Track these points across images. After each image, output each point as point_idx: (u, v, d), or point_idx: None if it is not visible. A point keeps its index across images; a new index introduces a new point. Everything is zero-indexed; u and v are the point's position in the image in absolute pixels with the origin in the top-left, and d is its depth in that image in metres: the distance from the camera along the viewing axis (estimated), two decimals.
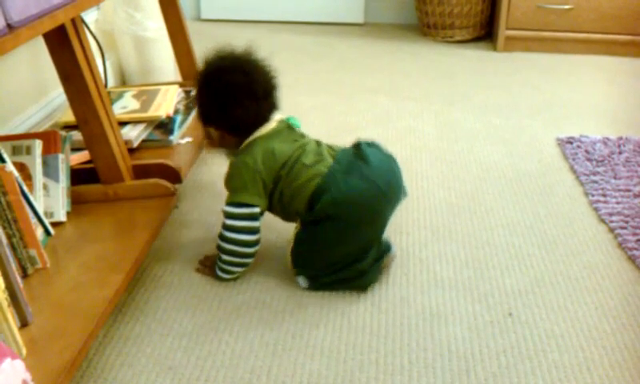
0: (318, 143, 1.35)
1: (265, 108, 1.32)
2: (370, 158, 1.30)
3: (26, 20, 0.97)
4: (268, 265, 1.38)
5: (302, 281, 1.32)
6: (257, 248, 1.31)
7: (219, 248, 1.31)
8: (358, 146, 1.33)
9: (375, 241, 1.32)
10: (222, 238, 1.30)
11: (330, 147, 1.35)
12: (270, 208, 1.33)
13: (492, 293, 1.31)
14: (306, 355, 1.15)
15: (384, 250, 1.34)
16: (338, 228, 1.26)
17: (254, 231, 1.29)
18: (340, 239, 1.27)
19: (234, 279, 1.34)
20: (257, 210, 1.28)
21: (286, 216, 1.36)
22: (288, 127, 1.35)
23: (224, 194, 1.65)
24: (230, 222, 1.28)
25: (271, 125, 1.32)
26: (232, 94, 1.29)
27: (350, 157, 1.30)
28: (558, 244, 1.46)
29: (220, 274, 1.33)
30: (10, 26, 0.93)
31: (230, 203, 1.29)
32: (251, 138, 1.31)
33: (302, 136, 1.35)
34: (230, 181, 1.31)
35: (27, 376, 0.82)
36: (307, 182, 1.27)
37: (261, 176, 1.27)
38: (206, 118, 1.35)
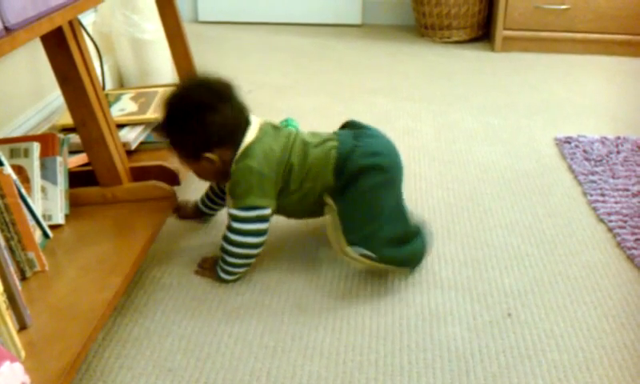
0: (310, 132, 1.38)
1: (238, 109, 1.30)
2: (369, 130, 1.38)
3: (24, 22, 0.96)
4: (267, 266, 1.38)
5: (355, 250, 1.28)
6: (262, 248, 1.31)
7: (224, 250, 1.30)
8: (351, 125, 1.40)
9: (401, 201, 1.36)
10: (228, 241, 1.29)
11: (324, 132, 1.39)
12: (286, 206, 1.34)
13: (491, 293, 1.31)
14: (306, 357, 1.15)
15: (419, 230, 1.36)
16: (374, 178, 1.28)
17: (262, 233, 1.28)
18: (377, 188, 1.29)
19: (235, 280, 1.34)
20: (267, 211, 1.27)
21: (308, 206, 1.34)
22: (273, 127, 1.35)
23: None
24: (237, 225, 1.27)
25: (255, 127, 1.31)
26: (201, 106, 1.26)
27: (350, 132, 1.36)
28: (556, 244, 1.46)
29: (223, 275, 1.33)
30: (7, 29, 0.93)
31: (238, 207, 1.27)
32: (243, 145, 1.29)
33: (289, 132, 1.36)
34: (236, 187, 1.28)
35: (26, 379, 0.82)
36: (325, 155, 1.30)
37: (267, 176, 1.27)
38: (194, 150, 1.29)
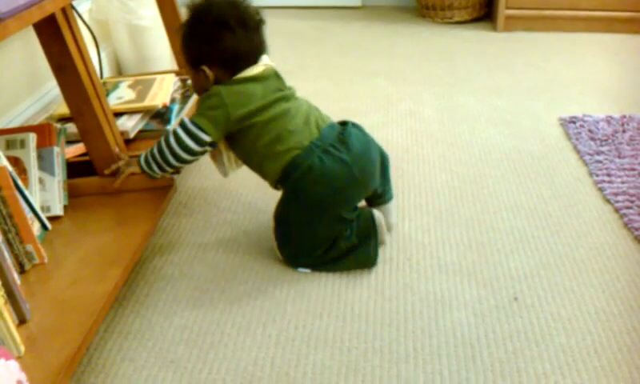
0: (310, 107, 1.36)
1: (255, 42, 1.33)
2: (352, 141, 1.31)
3: (14, 10, 0.94)
4: (269, 254, 1.37)
5: (302, 269, 1.33)
6: (180, 166, 1.34)
7: (158, 142, 1.32)
8: (344, 126, 1.35)
9: (348, 219, 1.32)
10: (165, 138, 1.31)
11: (320, 117, 1.35)
12: (240, 153, 1.36)
13: (497, 277, 1.29)
14: (310, 345, 1.13)
15: (370, 221, 1.33)
16: (305, 206, 1.29)
17: (192, 152, 1.29)
18: (309, 218, 1.29)
19: (149, 174, 1.35)
20: (206, 137, 1.28)
21: (253, 169, 1.37)
22: (275, 75, 1.36)
23: (223, 184, 1.64)
24: (179, 131, 1.29)
25: (259, 68, 1.33)
26: (223, 23, 1.29)
27: (334, 136, 1.31)
28: (562, 226, 1.44)
29: (142, 160, 1.35)
30: None
31: (190, 119, 1.29)
32: (237, 76, 1.31)
33: (289, 89, 1.37)
34: (200, 101, 1.32)
35: (22, 376, 0.80)
36: (287, 151, 1.28)
37: (227, 109, 1.27)
38: (197, 58, 1.33)
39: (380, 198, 1.41)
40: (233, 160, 1.41)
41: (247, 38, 1.31)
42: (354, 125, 1.36)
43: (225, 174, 1.43)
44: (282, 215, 1.32)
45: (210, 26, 1.31)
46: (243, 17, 1.31)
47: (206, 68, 1.32)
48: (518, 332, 1.15)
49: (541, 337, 1.14)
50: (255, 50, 1.34)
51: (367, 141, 1.35)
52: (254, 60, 1.33)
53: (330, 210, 1.29)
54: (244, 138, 1.31)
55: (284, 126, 1.29)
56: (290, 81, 1.39)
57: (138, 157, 1.36)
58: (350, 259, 1.31)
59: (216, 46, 1.31)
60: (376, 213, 1.34)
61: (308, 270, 1.32)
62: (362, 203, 1.43)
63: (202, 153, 1.31)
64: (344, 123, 1.37)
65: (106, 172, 1.39)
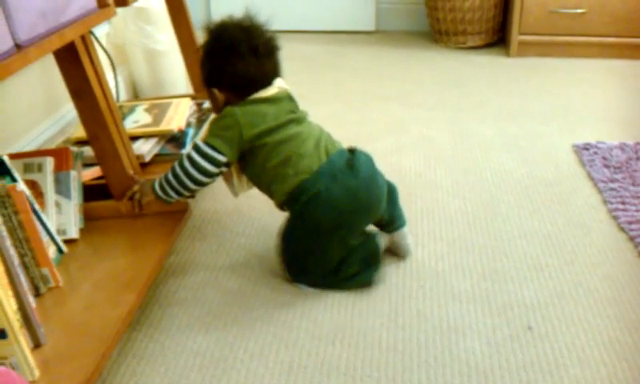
0: (322, 132, 1.37)
1: (267, 68, 1.35)
2: (360, 169, 1.31)
3: (34, 39, 0.96)
4: (282, 280, 1.37)
5: (304, 287, 1.34)
6: (197, 189, 1.33)
7: (172, 167, 1.32)
8: (353, 153, 1.35)
9: (354, 244, 1.33)
10: (180, 162, 1.31)
11: (330, 143, 1.36)
12: (249, 173, 1.37)
13: (511, 305, 1.28)
14: (322, 373, 1.13)
15: (374, 247, 1.35)
16: (310, 229, 1.29)
17: (208, 174, 1.30)
18: (314, 240, 1.30)
19: (167, 201, 1.35)
20: (222, 158, 1.29)
21: (262, 189, 1.38)
22: (289, 98, 1.37)
23: (237, 208, 1.64)
24: (194, 154, 1.29)
25: (272, 90, 1.35)
26: (233, 48, 1.31)
27: (343, 162, 1.32)
28: (577, 254, 1.43)
29: (157, 187, 1.35)
30: (18, 46, 0.93)
31: (204, 141, 1.30)
32: (251, 97, 1.33)
33: (303, 112, 1.38)
34: (214, 122, 1.34)
35: None
36: (295, 174, 1.29)
37: (240, 129, 1.28)
38: (209, 80, 1.37)
39: (391, 225, 1.41)
40: (244, 181, 1.42)
41: (257, 64, 1.33)
42: (363, 153, 1.37)
43: (235, 194, 1.44)
44: (288, 235, 1.33)
45: (219, 51, 1.34)
46: (255, 43, 1.32)
47: (215, 90, 1.36)
48: (532, 362, 1.14)
49: (555, 367, 1.13)
50: (266, 76, 1.36)
51: (374, 167, 1.36)
52: (266, 84, 1.35)
53: (335, 235, 1.30)
54: (254, 159, 1.32)
55: (295, 149, 1.30)
56: (303, 105, 1.41)
57: (152, 183, 1.36)
58: (352, 283, 1.33)
59: (224, 70, 1.33)
60: (380, 241, 1.36)
61: (311, 289, 1.33)
62: (372, 227, 1.43)
63: (219, 174, 1.32)
64: (352, 150, 1.37)
65: (125, 200, 1.41)
